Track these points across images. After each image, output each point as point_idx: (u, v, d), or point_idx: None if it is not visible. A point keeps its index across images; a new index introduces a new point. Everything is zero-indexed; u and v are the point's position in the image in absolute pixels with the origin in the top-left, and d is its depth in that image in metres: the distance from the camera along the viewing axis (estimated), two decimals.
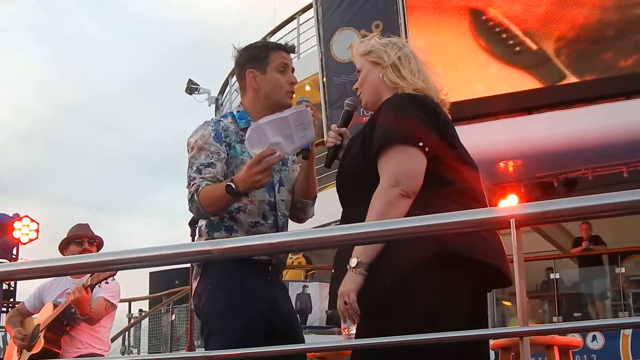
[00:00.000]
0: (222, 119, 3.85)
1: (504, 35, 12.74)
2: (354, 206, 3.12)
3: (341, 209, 3.32)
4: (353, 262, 2.88)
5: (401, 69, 3.27)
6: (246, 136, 3.50)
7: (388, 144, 3.03)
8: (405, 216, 2.88)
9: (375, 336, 2.72)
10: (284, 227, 3.83)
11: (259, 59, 3.84)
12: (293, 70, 3.91)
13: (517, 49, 12.70)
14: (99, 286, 5.58)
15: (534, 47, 12.62)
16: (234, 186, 3.47)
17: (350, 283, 2.88)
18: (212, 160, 3.67)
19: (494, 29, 12.84)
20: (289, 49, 3.96)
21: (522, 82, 12.53)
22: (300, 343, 3.71)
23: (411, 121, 3.05)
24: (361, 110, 3.70)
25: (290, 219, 3.96)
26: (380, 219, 2.86)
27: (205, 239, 3.74)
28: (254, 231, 3.70)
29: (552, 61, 12.51)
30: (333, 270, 3.16)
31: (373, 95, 3.35)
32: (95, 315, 5.73)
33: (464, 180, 3.10)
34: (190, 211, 3.69)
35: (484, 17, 13.00)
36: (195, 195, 3.60)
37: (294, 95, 3.85)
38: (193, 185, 3.62)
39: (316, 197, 3.95)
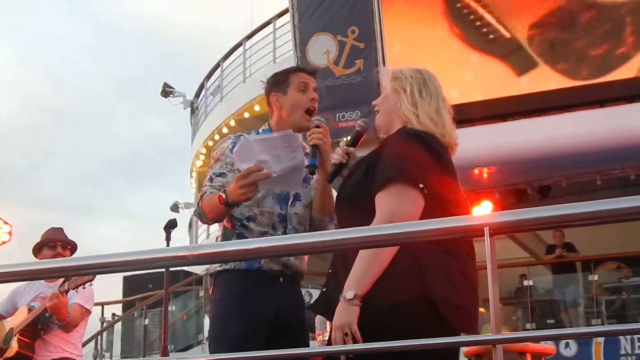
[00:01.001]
0: (245, 134, 4.02)
1: (477, 23, 12.78)
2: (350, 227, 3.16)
3: None
4: (350, 294, 2.90)
5: (418, 107, 3.31)
6: (234, 150, 3.70)
7: (390, 181, 3.07)
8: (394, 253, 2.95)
9: None
10: None
11: (280, 82, 4.06)
12: (315, 89, 4.04)
13: (491, 37, 12.76)
14: (76, 291, 5.56)
15: (507, 35, 12.70)
16: (224, 197, 3.63)
17: (348, 315, 2.90)
18: (224, 171, 3.87)
19: (468, 16, 12.90)
20: (309, 70, 4.13)
21: (497, 89, 12.57)
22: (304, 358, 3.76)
23: (415, 161, 3.11)
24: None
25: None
26: (376, 253, 2.91)
27: None
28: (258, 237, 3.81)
29: (524, 49, 12.59)
30: (330, 270, 3.20)
31: (385, 120, 3.41)
32: (72, 322, 5.73)
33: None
34: (195, 216, 3.91)
35: (457, 5, 13.05)
36: (200, 202, 3.82)
37: (313, 112, 3.96)
38: (202, 192, 3.86)
39: (334, 214, 3.91)
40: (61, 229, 6.21)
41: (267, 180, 3.60)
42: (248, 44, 18.93)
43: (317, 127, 3.76)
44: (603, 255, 13.62)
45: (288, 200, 3.90)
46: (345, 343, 2.88)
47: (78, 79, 66.66)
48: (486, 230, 2.21)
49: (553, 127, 11.92)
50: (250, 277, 3.78)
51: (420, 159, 3.11)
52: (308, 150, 3.79)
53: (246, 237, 3.83)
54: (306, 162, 3.74)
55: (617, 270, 13.25)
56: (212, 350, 3.88)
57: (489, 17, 12.79)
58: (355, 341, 2.86)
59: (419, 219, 3.01)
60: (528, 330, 12.18)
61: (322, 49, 13.76)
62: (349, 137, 3.72)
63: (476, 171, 12.69)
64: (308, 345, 3.97)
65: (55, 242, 6.07)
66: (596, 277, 12.95)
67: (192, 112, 22.08)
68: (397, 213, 2.99)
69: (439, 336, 2.87)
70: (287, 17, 15.73)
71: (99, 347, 16.74)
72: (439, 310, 2.92)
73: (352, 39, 13.45)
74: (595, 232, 12.91)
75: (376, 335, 2.82)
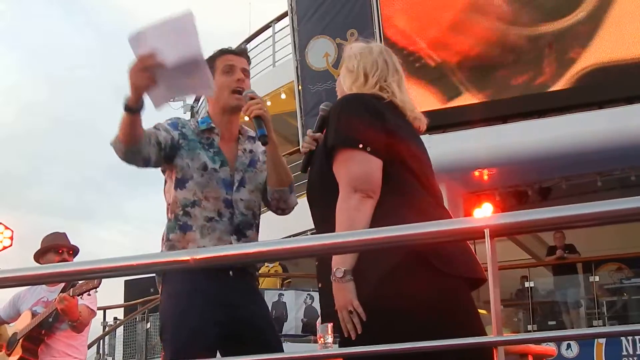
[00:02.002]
0: (184, 119, 3.95)
1: (404, 52, 12.78)
2: (323, 208, 3.13)
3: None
4: (339, 272, 2.86)
5: (362, 83, 3.29)
6: (128, 39, 3.40)
7: (334, 150, 3.05)
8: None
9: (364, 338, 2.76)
10: (242, 226, 3.77)
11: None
12: (244, 70, 3.90)
13: (417, 65, 12.79)
14: (81, 297, 5.56)
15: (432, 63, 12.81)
16: (124, 101, 3.46)
17: (347, 292, 2.86)
18: (157, 127, 3.75)
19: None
20: (236, 51, 3.98)
21: (497, 91, 12.58)
22: (273, 349, 3.68)
23: (348, 123, 3.08)
24: None
25: (275, 213, 3.96)
26: (349, 226, 2.87)
27: (164, 243, 3.78)
28: (208, 226, 3.71)
29: (449, 77, 12.69)
30: (320, 285, 3.14)
31: None
32: (84, 321, 5.73)
33: (422, 177, 3.13)
34: (114, 150, 3.67)
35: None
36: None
37: (242, 93, 3.81)
38: None
39: (292, 183, 3.89)
40: (64, 234, 6.21)
41: (168, 75, 3.35)
42: (248, 47, 18.94)
43: (252, 99, 3.68)
44: (604, 257, 13.63)
45: (233, 185, 3.78)
46: (351, 321, 2.85)
47: (77, 84, 66.68)
48: (486, 232, 2.20)
49: (553, 128, 11.92)
50: (201, 273, 3.55)
51: (354, 119, 3.07)
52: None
53: (190, 226, 3.71)
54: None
55: (618, 272, 13.24)
56: (166, 354, 3.68)
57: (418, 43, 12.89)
58: (360, 315, 2.84)
59: (382, 178, 3.00)
60: (529, 332, 12.18)
61: (321, 52, 13.77)
62: None
63: (476, 173, 12.70)
64: (276, 338, 3.87)
65: (61, 247, 6.08)
66: (597, 279, 12.94)
67: (192, 116, 22.05)
68: (353, 178, 2.97)
69: (441, 288, 2.89)
70: (286, 21, 15.74)
71: (101, 351, 16.73)
72: (432, 263, 2.87)
73: (351, 42, 13.45)
74: (596, 233, 12.93)
75: (381, 307, 2.82)
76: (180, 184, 3.75)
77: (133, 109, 3.47)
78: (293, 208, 3.95)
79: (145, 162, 3.69)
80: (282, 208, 3.90)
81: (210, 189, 3.73)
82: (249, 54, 4.10)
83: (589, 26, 11.99)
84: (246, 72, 3.91)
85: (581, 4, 12.04)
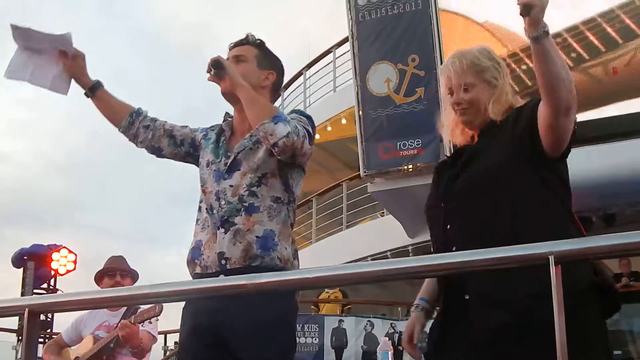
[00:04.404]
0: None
1: None
2: (493, 215, 2.93)
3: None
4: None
5: (509, 92, 3.20)
6: (11, 25, 3.72)
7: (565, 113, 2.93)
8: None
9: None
10: (227, 215, 3.48)
11: None
12: (236, 57, 3.74)
13: None
14: (142, 325, 5.58)
15: None
16: None
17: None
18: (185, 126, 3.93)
19: None
20: (232, 44, 3.83)
21: None
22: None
23: None
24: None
25: (279, 157, 3.47)
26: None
27: None
28: (206, 218, 3.56)
29: None
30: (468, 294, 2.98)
31: (479, 116, 3.20)
32: (145, 347, 5.75)
33: None
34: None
35: None
36: None
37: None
38: None
39: (275, 113, 3.40)
40: (122, 257, 6.25)
41: (37, 59, 3.76)
42: (309, 73, 19.04)
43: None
44: None
45: (222, 174, 3.56)
46: None
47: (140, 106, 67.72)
48: (551, 258, 2.15)
49: (616, 153, 11.79)
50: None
51: None
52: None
53: (198, 220, 3.61)
54: None
55: None
56: None
57: None
58: None
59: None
60: None
61: (383, 78, 13.79)
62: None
63: None
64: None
65: (113, 271, 6.11)
66: None
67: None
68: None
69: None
70: (347, 46, 15.80)
71: None
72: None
73: (412, 67, 13.46)
74: None
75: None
76: (200, 181, 3.70)
77: (86, 94, 3.92)
78: (287, 140, 3.38)
79: (151, 149, 3.93)
80: (273, 144, 3.39)
81: (207, 184, 3.61)
82: (308, 80, 3.97)
83: None
84: (240, 57, 3.73)
85: None
